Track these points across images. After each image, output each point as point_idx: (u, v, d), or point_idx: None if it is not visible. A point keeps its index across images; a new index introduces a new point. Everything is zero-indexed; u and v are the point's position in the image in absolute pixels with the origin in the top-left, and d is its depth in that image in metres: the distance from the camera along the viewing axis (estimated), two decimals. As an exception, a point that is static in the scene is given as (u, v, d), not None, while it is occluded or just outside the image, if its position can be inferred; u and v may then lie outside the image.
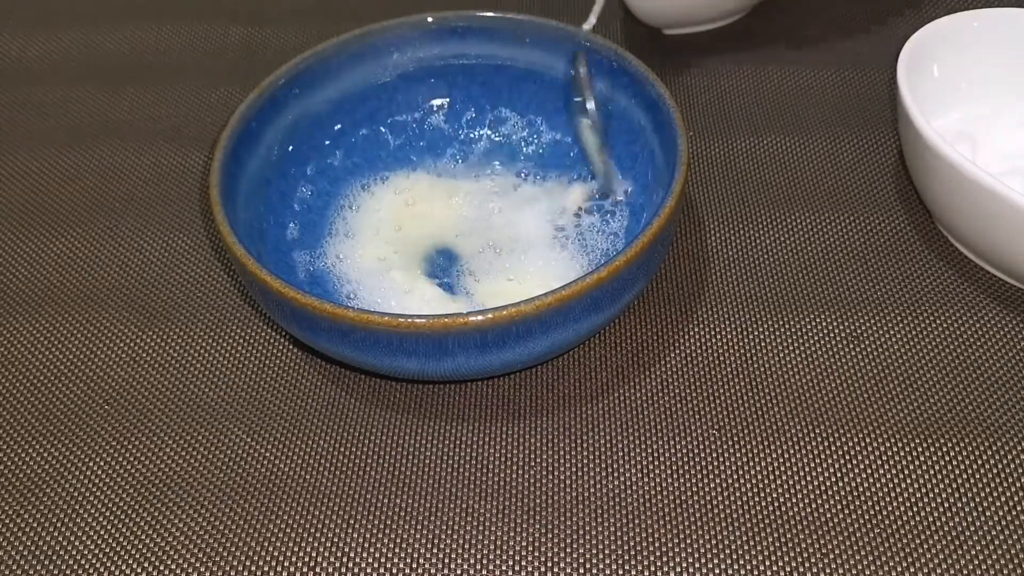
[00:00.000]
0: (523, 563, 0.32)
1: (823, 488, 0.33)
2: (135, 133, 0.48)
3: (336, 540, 0.32)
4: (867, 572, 0.31)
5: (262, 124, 0.39)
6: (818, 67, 0.49)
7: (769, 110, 0.47)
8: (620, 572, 0.31)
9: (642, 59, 0.39)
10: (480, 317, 0.30)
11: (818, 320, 0.38)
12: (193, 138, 0.47)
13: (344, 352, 0.33)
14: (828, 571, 0.31)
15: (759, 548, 0.31)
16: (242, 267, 0.33)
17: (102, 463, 0.35)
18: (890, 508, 0.32)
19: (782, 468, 0.33)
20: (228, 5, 0.55)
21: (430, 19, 0.42)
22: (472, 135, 0.44)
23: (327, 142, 0.42)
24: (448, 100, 0.44)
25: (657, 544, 0.32)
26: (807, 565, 0.31)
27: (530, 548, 0.32)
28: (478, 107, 0.44)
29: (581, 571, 0.31)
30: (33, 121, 0.49)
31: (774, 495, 0.33)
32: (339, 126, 0.42)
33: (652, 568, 0.31)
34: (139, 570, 0.32)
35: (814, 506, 0.32)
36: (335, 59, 0.41)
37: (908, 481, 0.33)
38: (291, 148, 0.40)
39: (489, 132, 0.44)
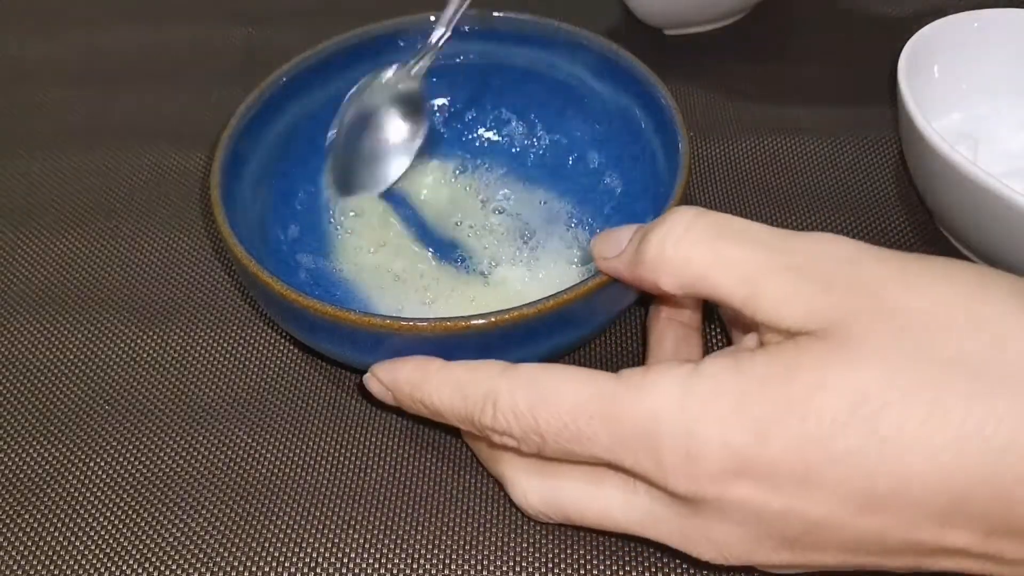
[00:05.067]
0: (524, 563, 0.32)
1: (823, 488, 0.33)
2: (135, 133, 0.48)
3: (336, 540, 0.32)
4: (867, 572, 0.31)
5: (262, 124, 0.39)
6: (818, 67, 0.49)
7: (769, 110, 0.47)
8: (621, 572, 0.31)
9: (642, 59, 0.39)
10: (482, 320, 0.30)
11: (818, 320, 0.38)
12: (193, 138, 0.47)
13: (346, 355, 0.33)
14: (828, 571, 0.31)
15: (759, 548, 0.31)
16: (243, 268, 0.33)
17: (102, 463, 0.35)
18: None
19: (782, 468, 0.33)
20: (228, 5, 0.55)
21: (432, 18, 0.42)
22: (473, 135, 0.44)
23: (328, 142, 0.42)
24: (449, 100, 0.44)
25: (657, 544, 0.32)
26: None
27: (531, 549, 0.32)
28: (479, 107, 0.44)
29: (582, 572, 0.31)
30: (33, 121, 0.49)
31: (774, 495, 0.33)
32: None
33: (652, 568, 0.31)
34: (139, 570, 0.32)
35: (814, 506, 0.32)
36: (335, 59, 0.41)
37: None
38: (291, 148, 0.40)
39: (490, 133, 0.44)
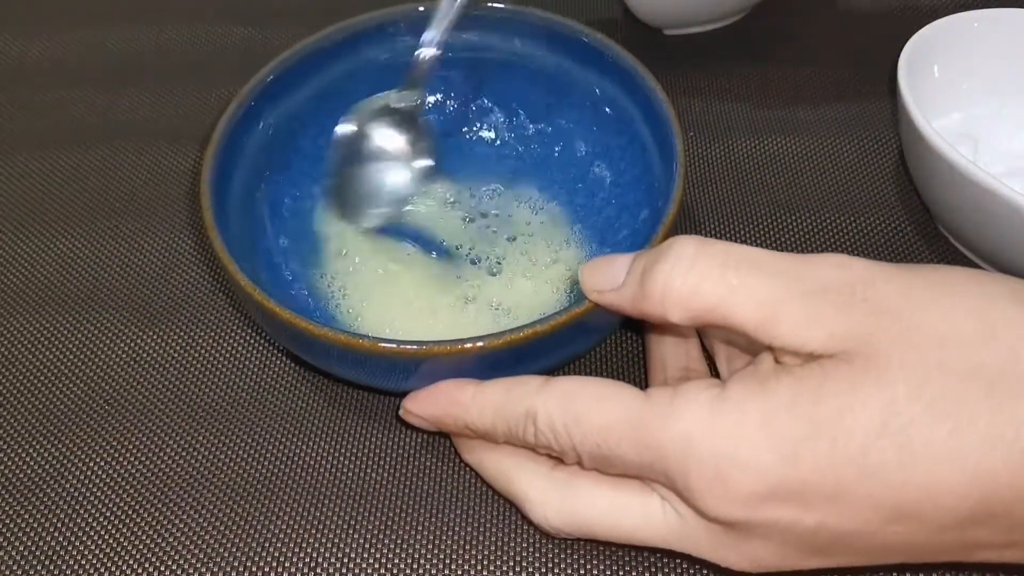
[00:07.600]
0: (523, 563, 0.32)
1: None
2: (135, 133, 0.48)
3: (336, 540, 0.32)
4: (867, 571, 0.31)
5: (244, 134, 0.37)
6: (818, 67, 0.49)
7: (769, 110, 0.47)
8: (620, 573, 0.31)
9: (642, 59, 0.39)
10: (495, 340, 0.29)
11: (818, 320, 0.38)
12: (193, 138, 0.47)
13: (360, 379, 0.33)
14: (828, 570, 0.31)
15: (759, 548, 0.31)
16: (252, 300, 0.31)
17: (102, 463, 0.35)
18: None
19: (782, 468, 0.33)
20: (228, 5, 0.55)
21: (421, 8, 0.40)
22: (455, 127, 0.43)
23: (308, 144, 0.41)
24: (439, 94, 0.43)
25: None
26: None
27: (530, 548, 0.32)
28: (460, 98, 0.43)
29: (581, 572, 0.31)
30: (33, 121, 0.49)
31: (774, 495, 0.33)
32: (320, 126, 0.41)
33: (653, 569, 0.31)
34: (139, 570, 0.32)
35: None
36: (311, 59, 0.39)
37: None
38: (274, 154, 0.39)
39: (473, 126, 0.43)
